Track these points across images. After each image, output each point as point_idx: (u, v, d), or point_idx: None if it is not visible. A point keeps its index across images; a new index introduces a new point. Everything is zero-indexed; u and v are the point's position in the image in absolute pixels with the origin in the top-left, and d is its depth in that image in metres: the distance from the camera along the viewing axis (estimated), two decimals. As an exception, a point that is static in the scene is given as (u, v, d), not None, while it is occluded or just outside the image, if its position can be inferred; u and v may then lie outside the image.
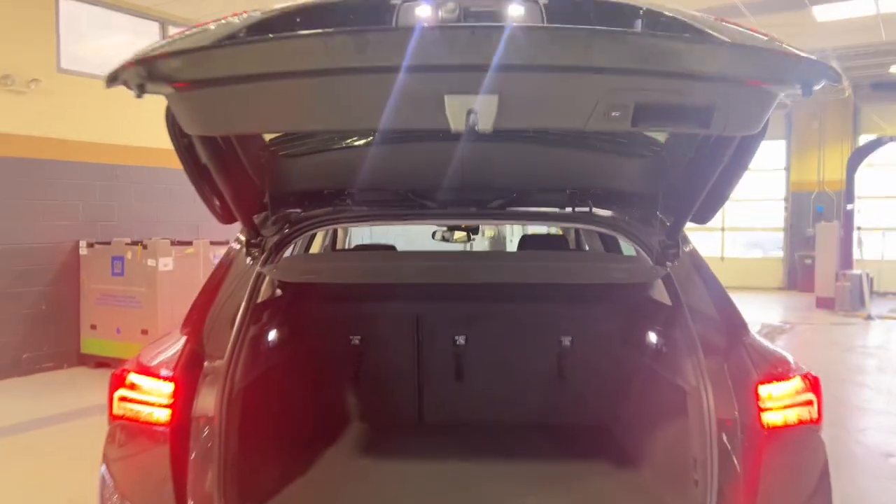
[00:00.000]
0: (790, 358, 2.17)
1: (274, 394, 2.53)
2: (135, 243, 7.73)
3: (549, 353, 3.27)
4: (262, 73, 1.59)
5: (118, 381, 1.99)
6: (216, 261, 7.86)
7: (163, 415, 1.91)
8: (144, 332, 7.55)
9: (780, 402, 1.92)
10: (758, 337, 2.27)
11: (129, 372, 2.00)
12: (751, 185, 18.35)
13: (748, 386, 1.93)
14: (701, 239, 18.62)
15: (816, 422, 2.01)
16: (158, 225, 8.79)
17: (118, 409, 1.97)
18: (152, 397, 1.93)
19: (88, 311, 8.07)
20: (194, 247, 7.87)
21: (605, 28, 1.50)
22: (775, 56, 1.52)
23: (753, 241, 18.37)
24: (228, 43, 1.54)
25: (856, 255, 14.14)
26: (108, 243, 7.95)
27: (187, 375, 1.98)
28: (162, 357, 2.06)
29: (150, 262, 7.52)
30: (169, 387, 1.93)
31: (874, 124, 15.94)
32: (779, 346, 8.74)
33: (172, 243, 7.73)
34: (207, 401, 1.93)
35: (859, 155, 14.09)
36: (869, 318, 12.22)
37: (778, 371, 2.01)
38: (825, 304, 13.36)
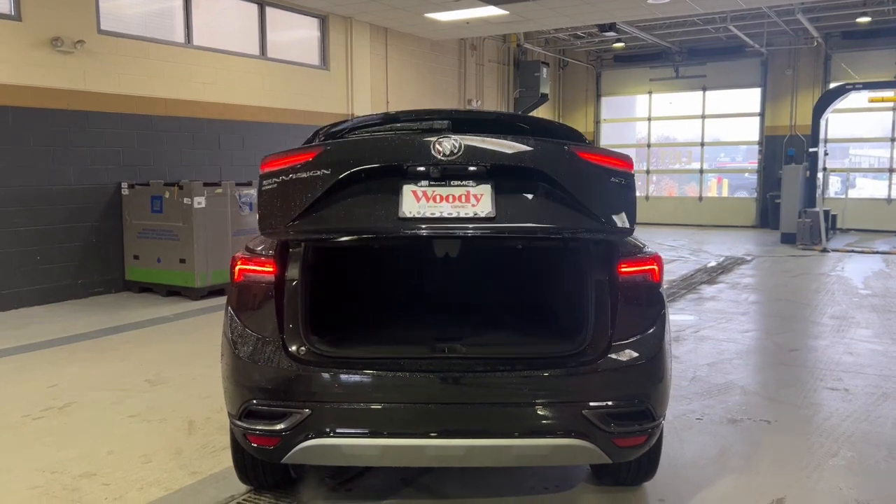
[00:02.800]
0: (645, 247, 3.30)
1: (330, 271, 3.70)
2: (171, 184, 8.90)
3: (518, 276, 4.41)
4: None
5: (238, 261, 3.19)
6: (242, 200, 9.05)
7: (270, 277, 3.12)
8: (182, 261, 8.81)
9: (631, 269, 3.12)
10: (633, 238, 3.32)
11: (246, 254, 3.20)
12: (729, 129, 19.49)
13: (614, 260, 3.14)
14: (683, 180, 19.79)
15: (656, 280, 3.21)
16: (187, 168, 9.97)
17: (238, 276, 3.17)
18: (262, 267, 3.13)
19: (131, 244, 9.30)
20: (222, 187, 9.05)
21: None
22: None
23: (741, 183, 19.57)
24: None
25: (825, 194, 15.36)
26: (147, 184, 9.13)
27: (281, 255, 3.19)
28: (262, 247, 3.26)
29: (186, 200, 8.71)
30: (271, 260, 3.13)
31: (843, 72, 16.99)
32: (739, 274, 10.20)
33: (204, 184, 8.91)
34: (294, 270, 3.14)
35: (824, 101, 15.17)
36: (825, 251, 13.51)
37: (632, 252, 3.19)
38: (788, 239, 14.65)
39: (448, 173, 2.88)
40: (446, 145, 2.83)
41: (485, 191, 2.89)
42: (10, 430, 4.51)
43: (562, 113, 20.20)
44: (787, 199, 14.92)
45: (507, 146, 2.91)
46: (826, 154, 15.92)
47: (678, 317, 7.93)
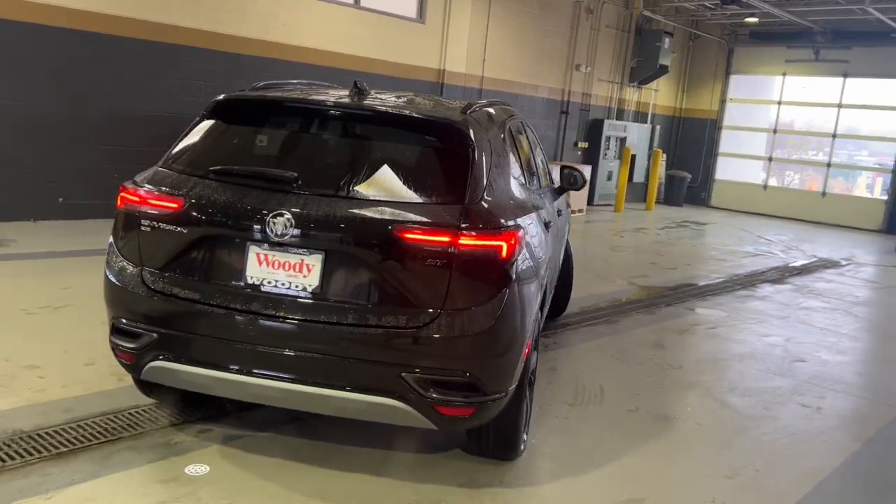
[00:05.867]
0: (501, 220, 3.16)
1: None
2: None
3: None
4: None
5: (121, 188, 3.44)
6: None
7: (141, 208, 3.23)
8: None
9: (471, 243, 3.09)
10: (495, 212, 3.20)
11: (129, 185, 3.43)
12: (867, 122, 17.91)
13: (456, 233, 3.11)
14: (806, 172, 18.48)
15: (502, 257, 3.15)
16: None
17: (119, 203, 3.40)
18: (134, 197, 3.23)
19: (205, 173, 9.95)
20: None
21: None
22: None
23: (870, 182, 18.03)
24: None
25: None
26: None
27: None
28: (142, 177, 3.38)
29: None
30: (142, 193, 3.32)
31: None
32: (818, 278, 9.74)
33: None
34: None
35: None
36: (939, 266, 12.26)
37: (476, 227, 3.15)
38: (905, 249, 13.40)
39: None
40: (279, 224, 3.05)
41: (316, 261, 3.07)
42: (1, 321, 5.13)
43: (686, 87, 19.25)
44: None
45: (341, 221, 3.06)
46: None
47: (706, 311, 7.60)
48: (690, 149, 19.19)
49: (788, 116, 18.74)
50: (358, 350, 3.05)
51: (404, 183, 3.20)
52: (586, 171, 15.11)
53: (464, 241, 3.04)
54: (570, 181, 5.67)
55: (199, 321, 3.16)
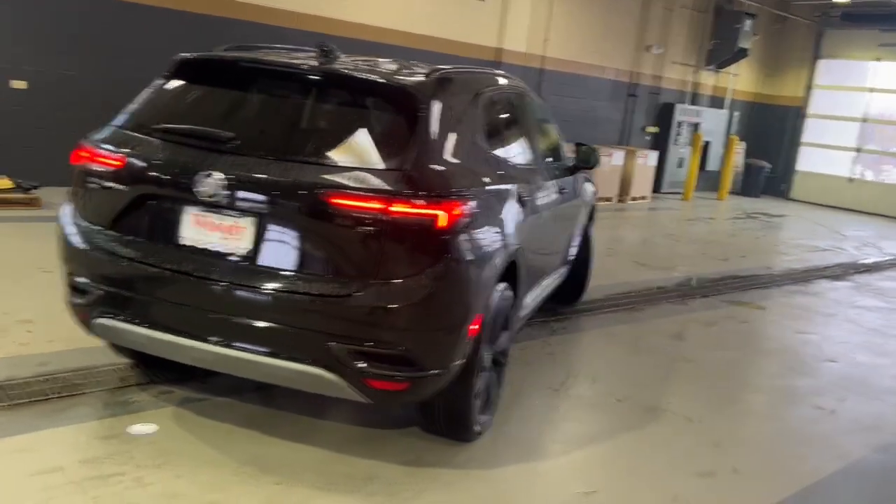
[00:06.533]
0: (443, 188, 3.01)
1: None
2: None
3: None
4: None
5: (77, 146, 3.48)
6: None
7: (91, 166, 3.24)
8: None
9: (402, 210, 2.95)
10: (428, 172, 3.06)
11: (85, 143, 3.45)
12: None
13: (389, 199, 2.95)
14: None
15: (439, 227, 2.98)
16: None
17: (73, 158, 3.43)
18: (85, 155, 3.26)
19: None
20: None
21: None
22: None
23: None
24: None
25: None
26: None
27: None
28: (98, 136, 3.38)
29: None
30: (92, 152, 3.28)
31: None
32: (887, 276, 9.17)
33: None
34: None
35: None
36: None
37: (413, 192, 3.00)
38: None
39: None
40: (209, 185, 2.98)
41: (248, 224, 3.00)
42: (15, 278, 5.33)
43: (768, 72, 18.26)
44: None
45: (272, 184, 2.97)
46: None
47: (743, 305, 7.17)
48: (771, 137, 18.20)
49: (881, 105, 17.48)
50: (287, 317, 2.98)
51: (346, 147, 3.10)
52: (653, 156, 14.60)
53: (396, 208, 2.91)
54: (583, 159, 5.44)
55: (139, 281, 3.16)
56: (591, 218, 6.22)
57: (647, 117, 15.67)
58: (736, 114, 17.44)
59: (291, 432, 3.52)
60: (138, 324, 3.18)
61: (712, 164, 16.56)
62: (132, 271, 3.15)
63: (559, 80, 13.42)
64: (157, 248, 3.14)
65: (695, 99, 16.43)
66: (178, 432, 3.43)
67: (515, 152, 4.23)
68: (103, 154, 3.26)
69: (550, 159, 5.01)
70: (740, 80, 17.47)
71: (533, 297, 4.65)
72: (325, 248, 2.97)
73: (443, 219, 2.98)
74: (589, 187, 6.01)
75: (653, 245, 10.33)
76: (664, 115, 15.76)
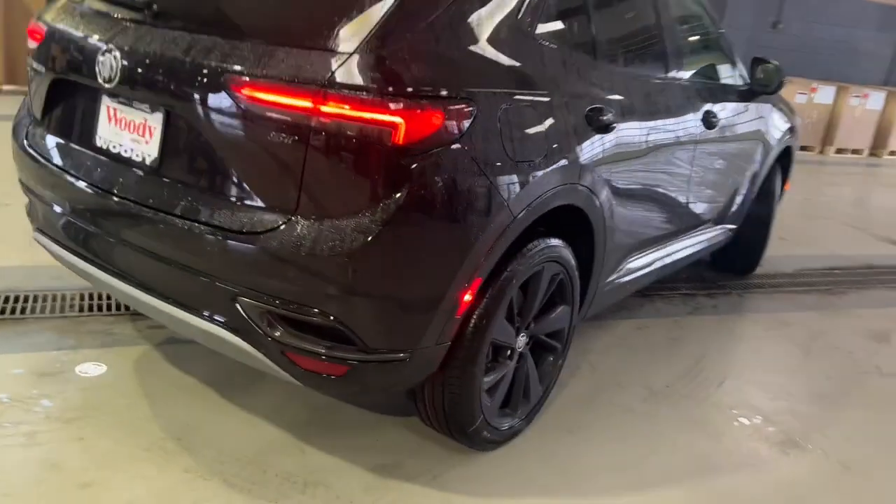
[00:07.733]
0: (413, 81, 1.98)
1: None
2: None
3: None
4: None
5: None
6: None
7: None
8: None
9: (337, 111, 1.91)
10: (393, 55, 1.97)
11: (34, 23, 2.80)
12: None
13: (321, 94, 1.95)
14: None
15: (396, 141, 1.92)
16: None
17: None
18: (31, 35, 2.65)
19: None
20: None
21: None
22: None
23: None
24: None
25: None
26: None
27: None
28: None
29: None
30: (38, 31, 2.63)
31: None
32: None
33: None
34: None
35: None
36: None
37: (358, 84, 1.94)
38: None
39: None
40: (105, 65, 2.25)
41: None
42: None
43: None
44: None
45: (179, 66, 2.11)
46: None
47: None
48: None
49: None
50: (186, 253, 2.14)
51: (281, 14, 2.12)
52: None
53: (329, 108, 1.92)
54: (764, 81, 4.00)
55: (57, 191, 2.50)
56: (780, 165, 4.68)
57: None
58: None
59: (258, 403, 2.74)
60: (62, 245, 2.55)
61: None
62: (52, 179, 2.50)
63: (806, 1, 11.09)
64: (73, 150, 2.46)
65: None
66: (125, 380, 2.80)
67: (610, 51, 2.95)
68: (34, 28, 2.61)
69: (698, 73, 3.65)
70: None
71: (646, 262, 3.44)
72: (237, 164, 2.07)
73: (401, 128, 1.93)
74: (778, 122, 4.47)
75: (892, 212, 8.15)
76: (952, 52, 12.57)
